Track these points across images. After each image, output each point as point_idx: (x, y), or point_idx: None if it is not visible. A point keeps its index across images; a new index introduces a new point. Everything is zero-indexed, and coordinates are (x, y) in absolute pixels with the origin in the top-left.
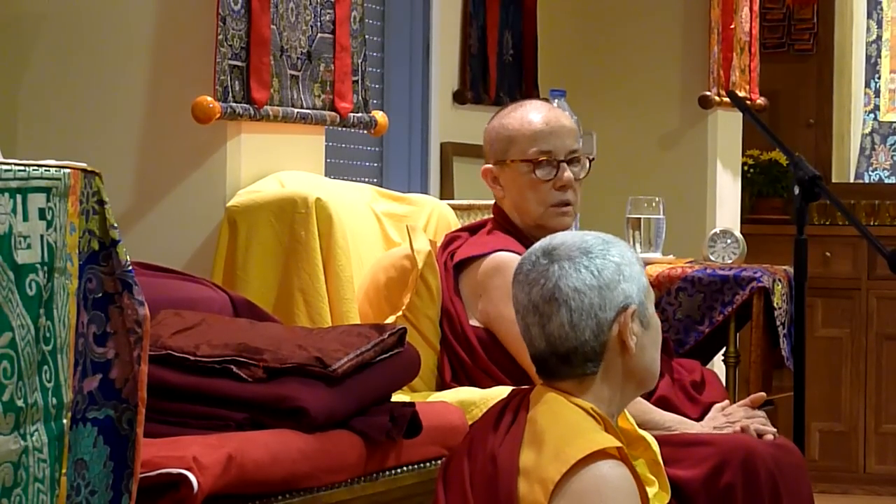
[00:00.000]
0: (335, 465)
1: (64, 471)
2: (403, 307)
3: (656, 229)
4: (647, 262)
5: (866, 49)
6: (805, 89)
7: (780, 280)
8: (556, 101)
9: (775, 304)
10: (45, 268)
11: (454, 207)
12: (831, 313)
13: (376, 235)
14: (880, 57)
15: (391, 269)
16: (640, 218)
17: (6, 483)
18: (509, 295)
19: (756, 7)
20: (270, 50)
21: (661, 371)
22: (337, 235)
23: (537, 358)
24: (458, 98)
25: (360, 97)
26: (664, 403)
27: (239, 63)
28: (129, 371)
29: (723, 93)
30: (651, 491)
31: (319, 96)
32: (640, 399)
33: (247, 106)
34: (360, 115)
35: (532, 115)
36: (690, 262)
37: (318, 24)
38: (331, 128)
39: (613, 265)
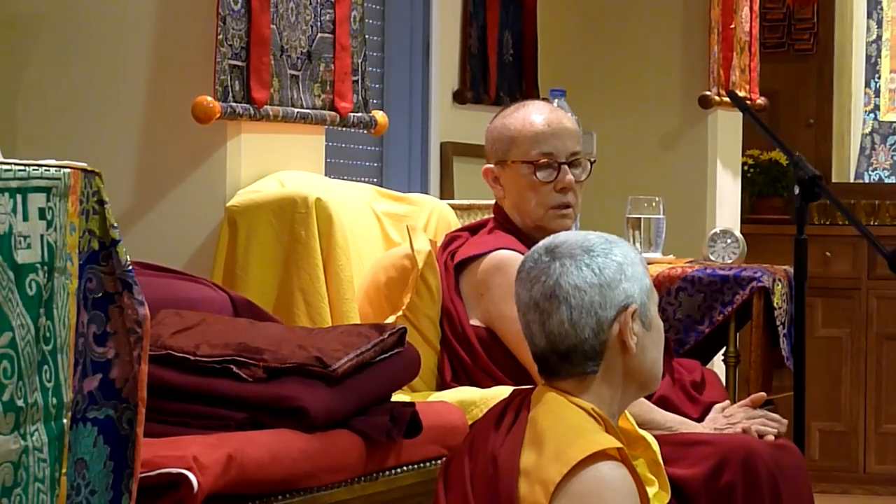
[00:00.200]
0: (335, 464)
1: (64, 470)
2: (403, 307)
3: (656, 229)
4: (646, 262)
5: (866, 49)
6: (805, 89)
7: (780, 280)
8: (556, 100)
9: (775, 304)
10: (46, 267)
11: (454, 207)
12: (831, 313)
13: (376, 235)
14: (880, 57)
15: (391, 269)
16: (640, 218)
17: (6, 483)
18: (510, 293)
19: (756, 7)
20: (270, 50)
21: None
22: (337, 235)
23: (538, 356)
24: (459, 98)
25: (360, 97)
26: (664, 403)
27: (239, 63)
28: (129, 371)
29: (723, 92)
30: (651, 491)
31: (319, 96)
32: (641, 399)
33: (247, 106)
34: (360, 114)
35: (534, 116)
36: (690, 261)
37: (318, 23)
38: (331, 127)
39: (615, 264)
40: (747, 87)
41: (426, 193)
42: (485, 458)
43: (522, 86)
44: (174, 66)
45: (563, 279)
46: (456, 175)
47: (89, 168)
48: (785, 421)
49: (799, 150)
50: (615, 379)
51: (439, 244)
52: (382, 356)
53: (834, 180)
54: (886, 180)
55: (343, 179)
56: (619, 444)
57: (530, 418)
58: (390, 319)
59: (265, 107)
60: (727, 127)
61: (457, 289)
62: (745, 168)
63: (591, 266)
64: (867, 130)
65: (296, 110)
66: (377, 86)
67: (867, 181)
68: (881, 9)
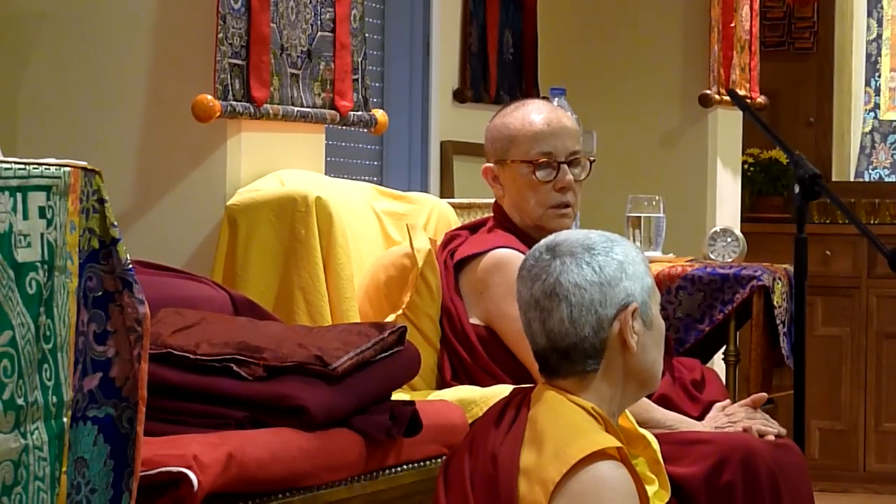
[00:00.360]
0: (335, 463)
1: (64, 469)
2: (403, 306)
3: (656, 228)
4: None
5: (866, 47)
6: (805, 88)
7: (780, 279)
8: (556, 99)
9: (775, 303)
10: (46, 266)
11: (454, 206)
12: (831, 312)
13: (376, 234)
14: (880, 55)
15: (391, 268)
16: (640, 216)
17: (6, 481)
18: (510, 292)
19: (756, 5)
20: (270, 48)
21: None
22: (337, 234)
23: (539, 354)
24: (459, 96)
25: (360, 95)
26: (665, 402)
27: (239, 61)
28: (129, 369)
29: (723, 91)
30: (651, 489)
31: (319, 95)
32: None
33: (247, 104)
34: (360, 113)
35: (534, 115)
36: (690, 260)
37: (319, 22)
38: (331, 126)
39: (616, 262)
40: (747, 85)
41: (426, 192)
42: (485, 456)
43: (522, 84)
44: (174, 64)
45: (564, 277)
46: (456, 174)
47: (89, 167)
48: (784, 430)
49: (799, 148)
50: (615, 378)
51: (439, 243)
52: (382, 355)
53: (834, 179)
54: (886, 179)
55: (343, 178)
56: (619, 444)
57: (530, 417)
58: (390, 318)
59: (265, 105)
60: (727, 126)
61: (456, 287)
62: (746, 167)
63: (591, 264)
64: (867, 129)
65: (296, 109)
66: (377, 84)
67: (867, 180)
68: (881, 7)
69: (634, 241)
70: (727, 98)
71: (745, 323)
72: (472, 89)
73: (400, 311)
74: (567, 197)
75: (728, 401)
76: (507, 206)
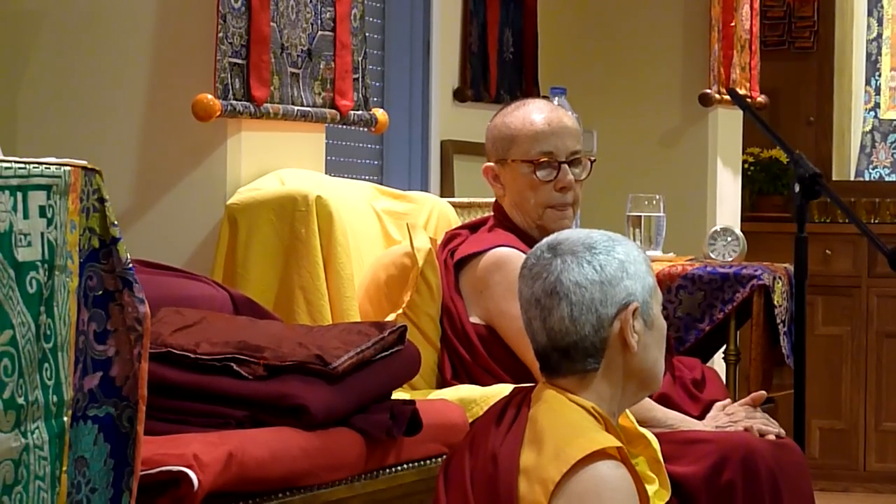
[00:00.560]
0: (335, 462)
1: (64, 468)
2: (404, 305)
3: (657, 227)
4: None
5: (867, 47)
6: (805, 87)
7: (780, 278)
8: (557, 98)
9: (776, 302)
10: (46, 265)
11: (454, 205)
12: (831, 311)
13: (377, 233)
14: (881, 55)
15: (391, 267)
16: (640, 216)
17: (7, 481)
18: (510, 290)
19: (756, 5)
20: (271, 47)
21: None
22: (337, 233)
23: (539, 353)
24: (459, 96)
25: (360, 95)
26: (665, 401)
27: (239, 61)
28: (129, 369)
29: (723, 90)
30: (651, 489)
31: (320, 94)
32: None
33: (247, 104)
34: (360, 112)
35: (534, 114)
36: (691, 259)
37: (319, 21)
38: (331, 125)
39: (617, 262)
40: (748, 84)
41: (426, 191)
42: (485, 456)
43: (523, 84)
44: (174, 63)
45: (564, 276)
46: (456, 173)
47: (89, 166)
48: (783, 432)
49: (799, 147)
50: (616, 377)
51: (439, 242)
52: (383, 354)
53: (834, 178)
54: (887, 178)
55: (343, 177)
56: (619, 444)
57: (530, 416)
58: (390, 317)
59: (265, 105)
60: (727, 125)
61: (457, 286)
62: (746, 166)
63: (592, 263)
64: (867, 128)
65: (296, 108)
66: (377, 84)
67: (867, 179)
68: (881, 6)
69: (635, 240)
70: (727, 97)
71: (745, 322)
72: (473, 88)
73: (400, 311)
74: (567, 197)
75: (728, 400)
76: (508, 205)
